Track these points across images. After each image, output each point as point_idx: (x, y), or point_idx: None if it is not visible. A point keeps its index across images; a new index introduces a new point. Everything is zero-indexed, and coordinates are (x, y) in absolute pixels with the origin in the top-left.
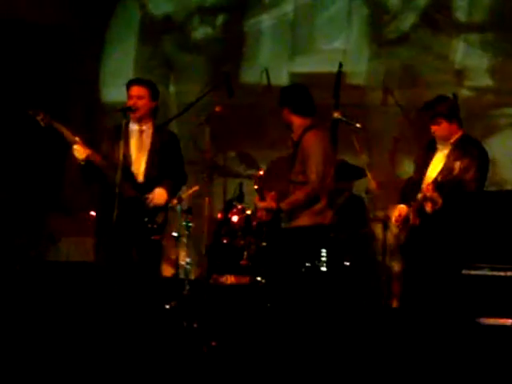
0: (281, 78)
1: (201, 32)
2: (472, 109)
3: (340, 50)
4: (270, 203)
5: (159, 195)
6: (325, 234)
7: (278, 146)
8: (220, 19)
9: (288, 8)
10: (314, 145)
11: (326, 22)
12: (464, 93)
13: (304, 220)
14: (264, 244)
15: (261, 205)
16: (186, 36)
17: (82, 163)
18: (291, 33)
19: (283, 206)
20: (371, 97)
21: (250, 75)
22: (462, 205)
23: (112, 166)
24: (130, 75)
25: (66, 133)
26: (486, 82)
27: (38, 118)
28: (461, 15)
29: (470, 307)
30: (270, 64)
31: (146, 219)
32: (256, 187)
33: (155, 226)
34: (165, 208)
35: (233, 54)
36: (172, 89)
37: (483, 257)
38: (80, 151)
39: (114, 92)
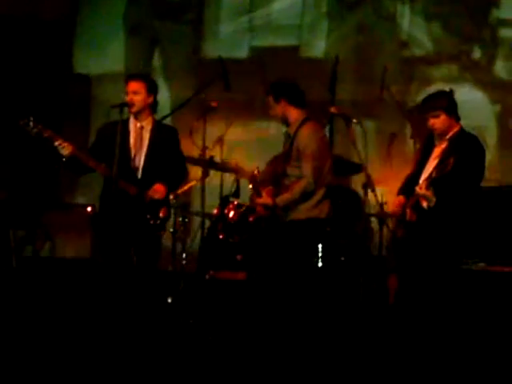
0: (241, 52)
1: None
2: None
3: (296, 24)
4: (266, 199)
5: (158, 190)
6: (321, 228)
7: None
8: None
9: None
10: (309, 138)
11: None
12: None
13: (300, 214)
14: (261, 239)
15: (258, 201)
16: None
17: (64, 160)
18: (250, 7)
19: (279, 201)
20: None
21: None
22: (458, 201)
23: (103, 160)
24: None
25: (49, 134)
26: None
27: (28, 129)
28: None
29: (467, 302)
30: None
31: (149, 216)
32: (251, 186)
33: (158, 222)
34: (167, 203)
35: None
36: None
37: (479, 252)
38: (64, 147)
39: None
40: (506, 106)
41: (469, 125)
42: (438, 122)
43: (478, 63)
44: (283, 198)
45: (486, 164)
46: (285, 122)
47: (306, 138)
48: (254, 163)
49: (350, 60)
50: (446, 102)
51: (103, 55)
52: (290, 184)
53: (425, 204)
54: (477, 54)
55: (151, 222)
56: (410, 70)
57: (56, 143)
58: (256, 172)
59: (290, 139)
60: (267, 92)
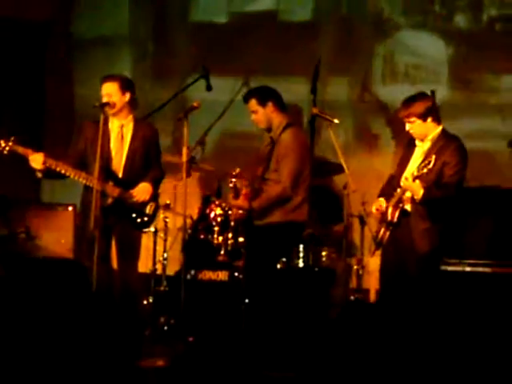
0: (220, 17)
1: None
2: None
3: None
4: (242, 202)
5: (144, 190)
6: (297, 231)
7: None
8: None
9: None
10: (290, 144)
11: None
12: None
13: (275, 217)
14: (241, 240)
15: (233, 203)
16: None
17: (39, 175)
18: None
19: (254, 204)
20: None
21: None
22: (440, 200)
23: (83, 159)
24: None
25: (25, 151)
26: None
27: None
28: None
29: (449, 304)
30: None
31: (134, 215)
32: (231, 185)
33: (145, 219)
34: (154, 198)
35: None
36: None
37: (461, 253)
38: (36, 160)
39: None
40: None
41: None
42: (413, 127)
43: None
44: (259, 201)
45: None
46: (267, 126)
47: (289, 143)
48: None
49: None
50: (421, 108)
51: None
52: (267, 188)
53: (408, 206)
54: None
55: (138, 221)
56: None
57: (31, 164)
58: (237, 171)
59: (271, 144)
60: (249, 96)
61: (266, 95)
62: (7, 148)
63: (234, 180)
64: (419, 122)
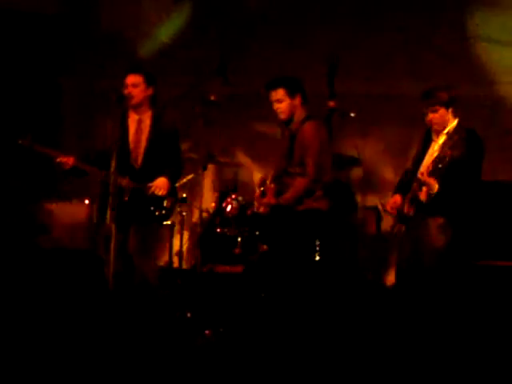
0: None
1: None
2: None
3: None
4: (269, 199)
5: (161, 184)
6: (322, 218)
7: None
8: None
9: None
10: (313, 136)
11: None
12: None
13: (301, 206)
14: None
15: (263, 201)
16: None
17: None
18: None
19: (282, 201)
20: None
21: None
22: (457, 194)
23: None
24: None
25: (51, 152)
26: None
27: (27, 147)
28: None
29: (468, 298)
30: None
31: (152, 208)
32: (262, 188)
33: (164, 212)
34: (172, 193)
35: None
36: None
37: (481, 247)
38: (63, 163)
39: None
40: None
41: None
42: (437, 116)
43: None
44: (286, 197)
45: None
46: (288, 118)
47: (310, 136)
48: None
49: None
50: (446, 97)
51: None
52: (293, 182)
53: (423, 197)
54: None
55: (156, 214)
56: None
57: (57, 160)
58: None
59: (290, 137)
60: (277, 84)
61: (296, 87)
62: (33, 149)
63: (267, 182)
64: (442, 110)
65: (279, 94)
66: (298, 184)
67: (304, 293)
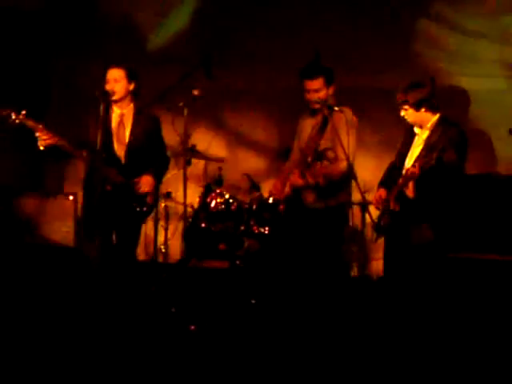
0: None
1: None
2: None
3: None
4: (295, 180)
5: (147, 182)
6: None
7: None
8: None
9: None
10: (349, 121)
11: None
12: None
13: (343, 197)
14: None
15: (290, 180)
16: None
17: (42, 148)
18: None
19: (321, 180)
20: None
21: None
22: (442, 190)
23: (84, 149)
24: None
25: (31, 124)
26: None
27: (10, 120)
28: None
29: (452, 291)
30: None
31: (135, 204)
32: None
33: (145, 209)
34: (155, 189)
35: None
36: None
37: (465, 241)
38: (45, 139)
39: None
40: None
41: None
42: (406, 114)
43: None
44: (319, 173)
45: None
46: (325, 105)
47: (348, 119)
48: None
49: None
50: (414, 98)
51: None
52: (321, 164)
53: (410, 193)
54: None
55: (137, 210)
56: None
57: (37, 134)
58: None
59: (321, 124)
60: (318, 73)
61: (332, 77)
62: (17, 121)
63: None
64: (411, 111)
65: (319, 83)
66: (335, 167)
67: (294, 288)
